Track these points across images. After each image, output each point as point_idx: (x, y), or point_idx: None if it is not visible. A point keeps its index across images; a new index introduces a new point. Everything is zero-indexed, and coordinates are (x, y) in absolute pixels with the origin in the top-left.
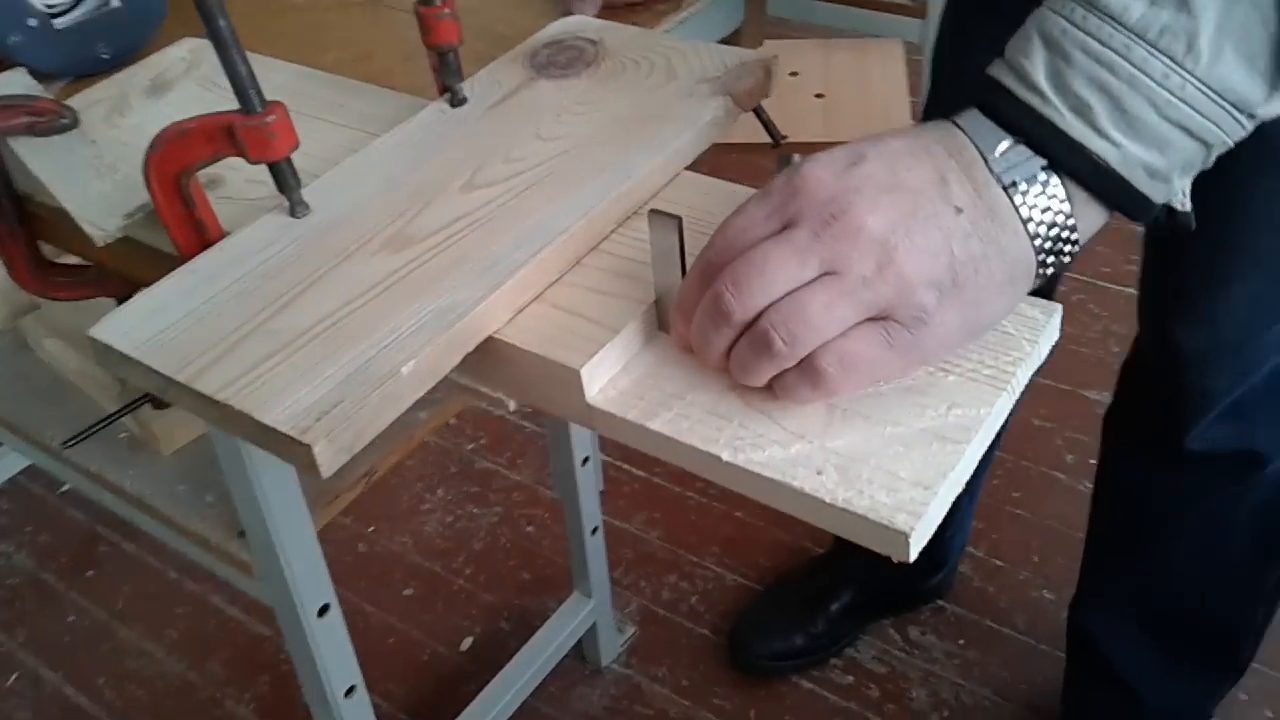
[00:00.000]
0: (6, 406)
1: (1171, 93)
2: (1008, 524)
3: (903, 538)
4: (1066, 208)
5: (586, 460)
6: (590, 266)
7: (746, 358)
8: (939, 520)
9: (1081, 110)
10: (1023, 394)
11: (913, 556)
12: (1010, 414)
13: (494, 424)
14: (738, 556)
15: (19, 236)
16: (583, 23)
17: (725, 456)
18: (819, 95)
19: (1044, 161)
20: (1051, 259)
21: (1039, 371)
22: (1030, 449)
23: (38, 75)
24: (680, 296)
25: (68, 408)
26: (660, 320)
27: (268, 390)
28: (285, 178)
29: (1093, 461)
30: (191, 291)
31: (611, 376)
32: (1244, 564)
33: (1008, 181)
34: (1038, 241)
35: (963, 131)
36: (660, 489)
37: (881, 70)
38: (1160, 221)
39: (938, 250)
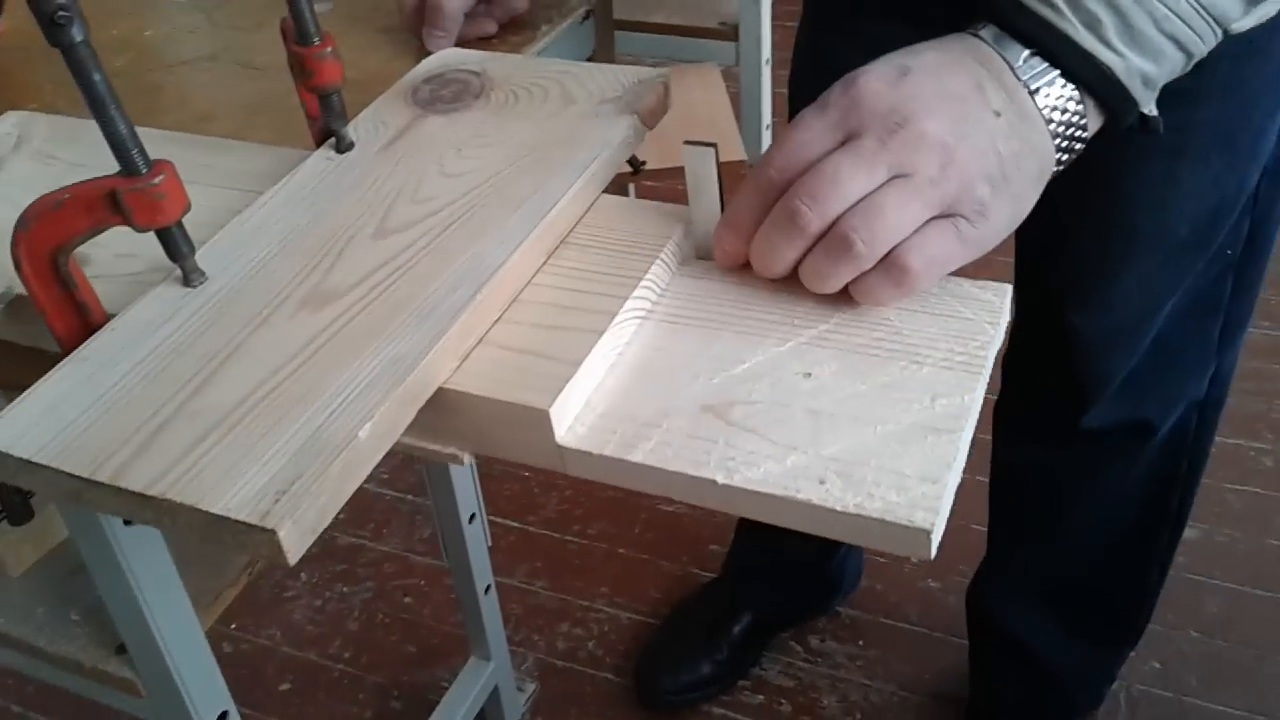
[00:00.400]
0: None
1: (1169, 8)
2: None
3: (924, 535)
4: (1081, 109)
5: (473, 517)
6: (530, 302)
7: (823, 264)
8: (947, 513)
9: (1092, 24)
10: None
11: (933, 554)
12: None
13: (351, 497)
14: (628, 593)
15: None
16: (459, 55)
17: (720, 479)
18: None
19: (1059, 70)
20: (1065, 156)
21: None
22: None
23: None
24: (733, 216)
25: None
26: (699, 249)
27: (209, 477)
28: (177, 244)
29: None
30: (89, 381)
31: (577, 413)
32: (1139, 529)
33: (1032, 87)
34: (1057, 140)
35: (986, 43)
36: (539, 537)
37: (704, 95)
38: (1134, 126)
39: (986, 149)
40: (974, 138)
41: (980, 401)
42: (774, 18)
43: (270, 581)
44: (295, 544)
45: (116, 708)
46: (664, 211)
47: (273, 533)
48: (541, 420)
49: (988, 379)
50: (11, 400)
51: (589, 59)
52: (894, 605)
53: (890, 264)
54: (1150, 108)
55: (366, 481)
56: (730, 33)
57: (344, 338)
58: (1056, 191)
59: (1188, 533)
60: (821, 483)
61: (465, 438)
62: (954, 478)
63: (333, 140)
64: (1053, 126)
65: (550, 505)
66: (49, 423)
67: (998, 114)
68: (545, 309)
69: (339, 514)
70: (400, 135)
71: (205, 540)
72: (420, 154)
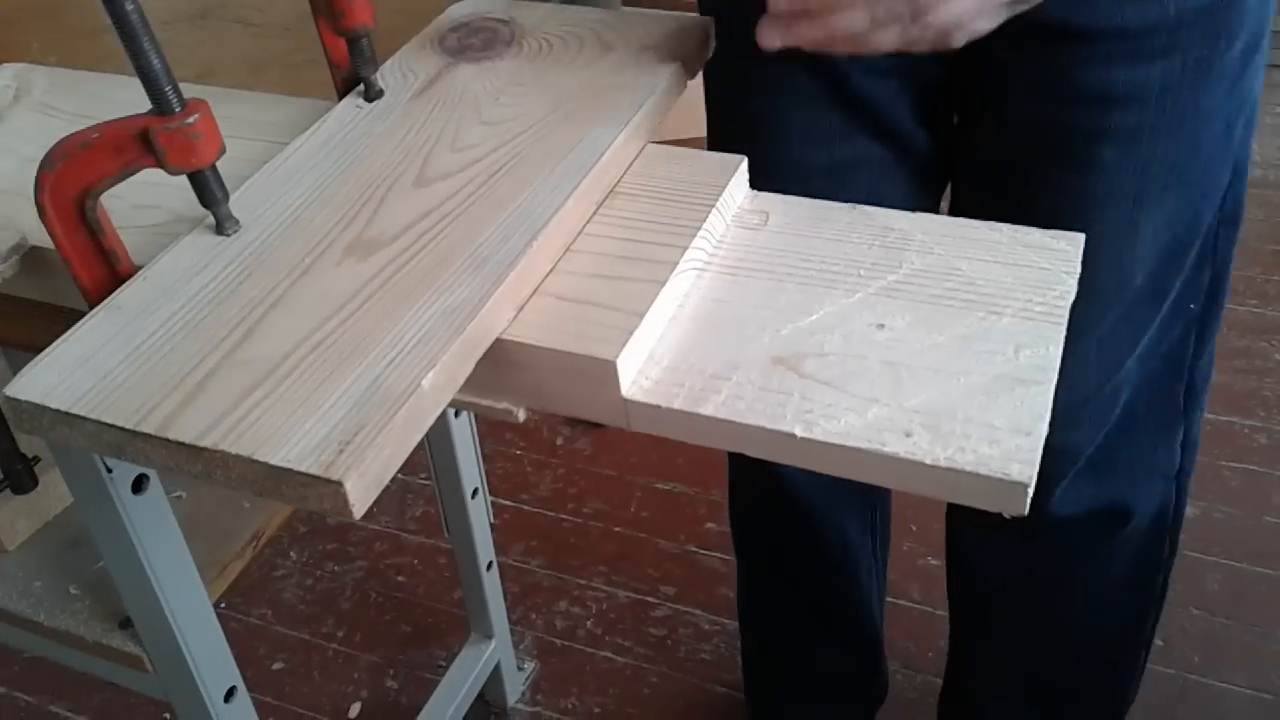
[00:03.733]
0: None
1: None
2: None
3: (1020, 488)
4: None
5: (476, 492)
6: (583, 252)
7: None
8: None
9: None
10: None
11: (1026, 509)
12: None
13: None
14: (626, 571)
15: None
16: (486, 2)
17: (799, 432)
18: None
19: None
20: None
21: None
22: None
23: None
24: None
25: None
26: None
27: (265, 428)
28: (211, 189)
29: None
30: (125, 330)
31: (641, 366)
32: (1125, 616)
33: None
34: None
35: None
36: (533, 515)
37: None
38: None
39: None
40: None
41: (1061, 353)
42: None
43: (260, 560)
44: (361, 496)
45: (120, 684)
46: (715, 160)
47: (339, 484)
48: (607, 372)
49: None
50: (27, 361)
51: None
52: (894, 582)
53: None
54: None
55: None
56: None
57: (395, 287)
58: None
59: (1187, 510)
60: (908, 435)
61: (521, 392)
62: (1045, 429)
63: (361, 88)
64: None
65: (544, 483)
66: (85, 374)
67: None
68: (601, 259)
69: None
70: (431, 83)
71: (259, 494)
72: (456, 102)
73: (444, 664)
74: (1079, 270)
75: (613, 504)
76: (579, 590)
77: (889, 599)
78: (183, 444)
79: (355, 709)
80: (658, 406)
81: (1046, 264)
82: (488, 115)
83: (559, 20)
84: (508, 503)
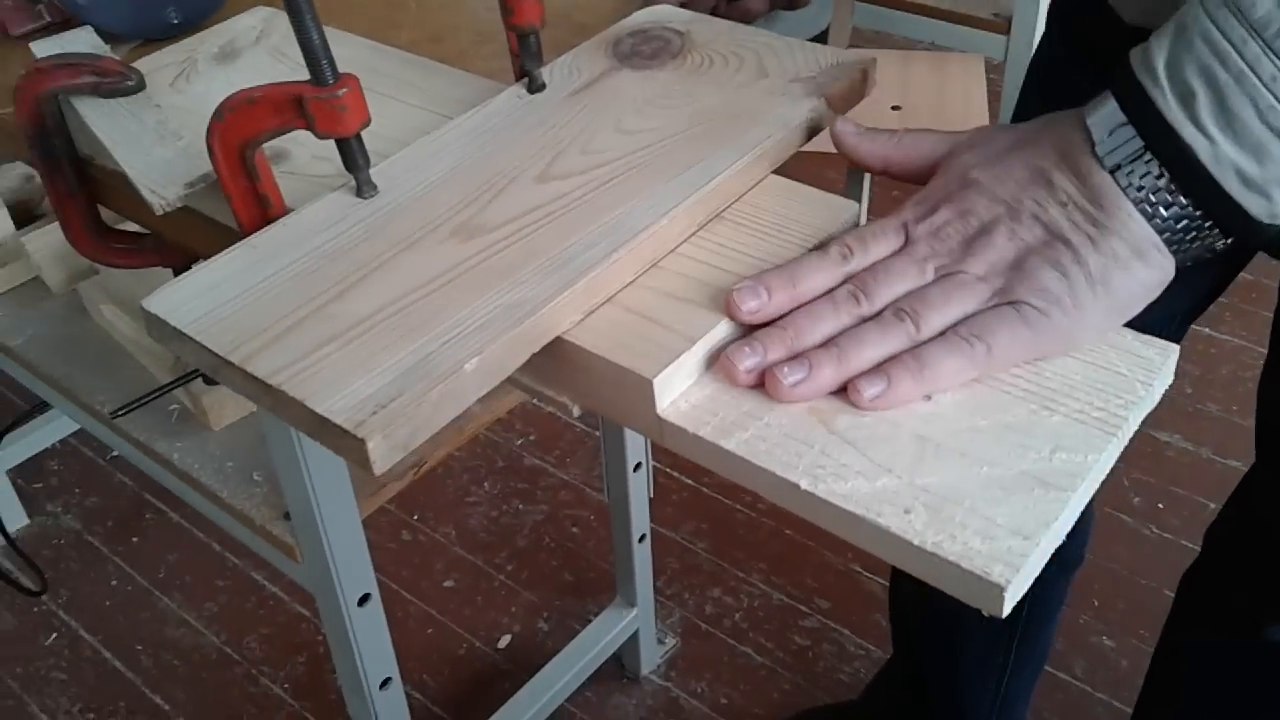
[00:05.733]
0: (59, 370)
1: (1276, 97)
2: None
3: (997, 590)
4: (1173, 199)
5: (639, 466)
6: (668, 270)
7: (868, 330)
8: (1035, 574)
9: (1186, 98)
10: None
11: (1006, 612)
12: None
13: (545, 420)
14: (785, 575)
15: (78, 200)
16: (670, 12)
17: (804, 485)
18: (895, 108)
19: (1143, 143)
20: (1186, 235)
21: None
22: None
23: (105, 36)
24: (797, 271)
25: (119, 375)
26: None
27: (323, 378)
28: (354, 155)
29: (1161, 506)
30: (250, 268)
31: (684, 389)
32: None
33: (1110, 164)
34: (1156, 222)
35: (1076, 119)
36: (709, 500)
37: (962, 85)
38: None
39: (1045, 241)
40: (1028, 230)
41: (1109, 464)
42: None
43: (457, 484)
44: (383, 457)
45: (277, 566)
46: (828, 202)
47: (362, 442)
48: (645, 388)
49: (1124, 443)
50: None
51: (822, 33)
52: (1059, 655)
53: (951, 334)
54: (1272, 218)
55: (560, 410)
56: (1002, 25)
57: (478, 273)
58: None
59: None
60: (907, 512)
61: (576, 390)
62: (1050, 539)
63: (525, 79)
64: (1146, 207)
65: None
66: (206, 300)
67: (1064, 204)
68: (681, 280)
69: (530, 435)
70: (590, 84)
71: (310, 436)
72: (603, 106)
73: (593, 619)
74: (1158, 382)
75: None
76: (735, 581)
77: (1047, 667)
78: (256, 378)
79: (505, 640)
80: (685, 430)
81: (1125, 369)
82: (626, 124)
83: (730, 38)
84: (688, 481)
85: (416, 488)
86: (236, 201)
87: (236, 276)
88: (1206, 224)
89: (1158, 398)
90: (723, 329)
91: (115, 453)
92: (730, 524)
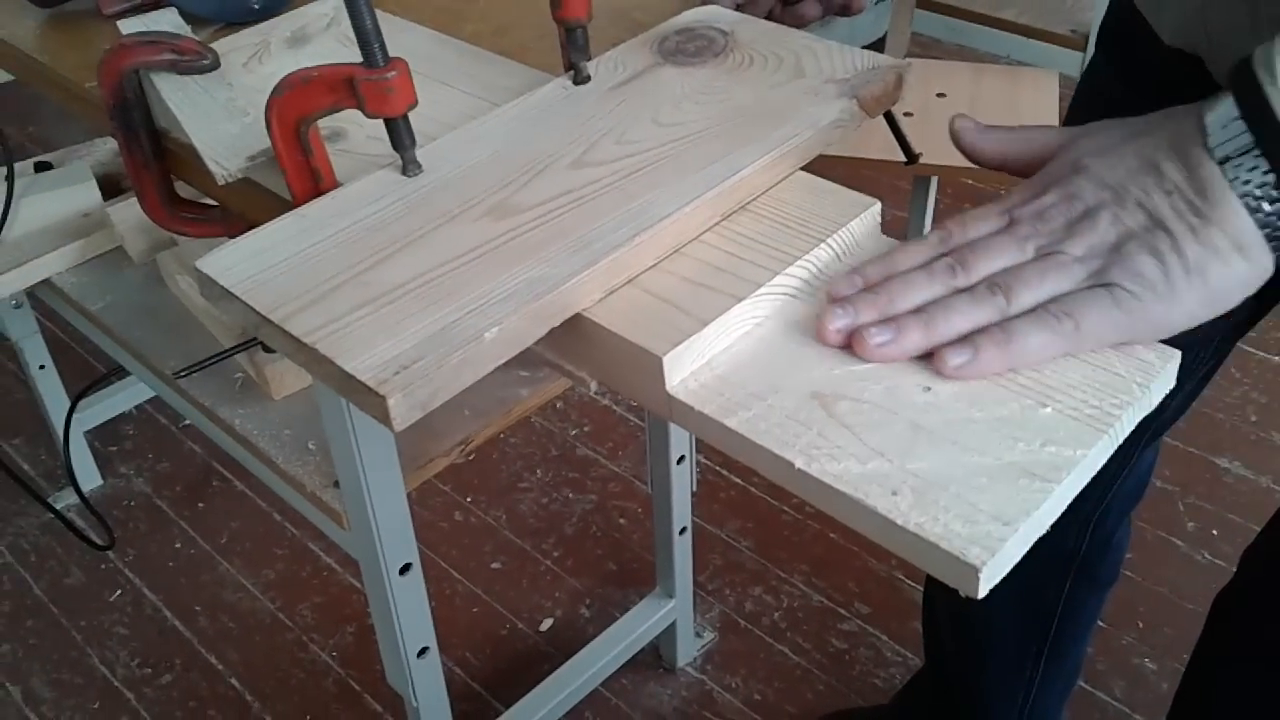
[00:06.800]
0: (135, 335)
1: None
2: (1117, 585)
3: (973, 572)
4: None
5: (682, 459)
6: (690, 256)
7: (960, 300)
8: (1016, 560)
9: None
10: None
11: (982, 593)
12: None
13: (599, 412)
14: (827, 578)
15: (153, 170)
16: (717, 12)
17: (798, 464)
18: (940, 95)
19: (1253, 139)
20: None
21: (1169, 431)
22: (1149, 511)
23: (190, 19)
24: (897, 258)
25: (190, 343)
26: None
27: (353, 339)
28: (400, 135)
29: (1215, 532)
30: (298, 236)
31: (694, 369)
32: None
33: (1219, 156)
34: (1259, 216)
35: (1200, 112)
36: (756, 499)
37: (1033, 100)
38: None
39: (1147, 228)
40: (1131, 215)
41: (1098, 462)
42: None
43: (511, 470)
44: (402, 414)
45: (326, 533)
46: (850, 197)
47: (383, 399)
48: (654, 366)
49: (1116, 442)
50: None
51: (879, 40)
52: (1100, 674)
53: (1041, 311)
54: None
55: (615, 403)
56: (1079, 41)
57: (507, 250)
58: None
59: None
60: (894, 494)
61: (594, 365)
62: (1031, 528)
63: (572, 72)
64: (1251, 201)
65: None
66: (254, 262)
67: (1169, 192)
68: (700, 266)
69: (584, 426)
70: (633, 78)
71: (340, 394)
72: (642, 100)
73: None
74: (1156, 385)
75: None
76: (777, 581)
77: (1086, 685)
78: (293, 336)
79: (547, 624)
80: (691, 408)
81: (1123, 370)
82: (663, 117)
83: (772, 39)
84: (736, 480)
85: (470, 471)
86: (291, 174)
87: (284, 243)
88: None
89: (1155, 401)
90: (736, 313)
91: (187, 421)
92: (775, 524)
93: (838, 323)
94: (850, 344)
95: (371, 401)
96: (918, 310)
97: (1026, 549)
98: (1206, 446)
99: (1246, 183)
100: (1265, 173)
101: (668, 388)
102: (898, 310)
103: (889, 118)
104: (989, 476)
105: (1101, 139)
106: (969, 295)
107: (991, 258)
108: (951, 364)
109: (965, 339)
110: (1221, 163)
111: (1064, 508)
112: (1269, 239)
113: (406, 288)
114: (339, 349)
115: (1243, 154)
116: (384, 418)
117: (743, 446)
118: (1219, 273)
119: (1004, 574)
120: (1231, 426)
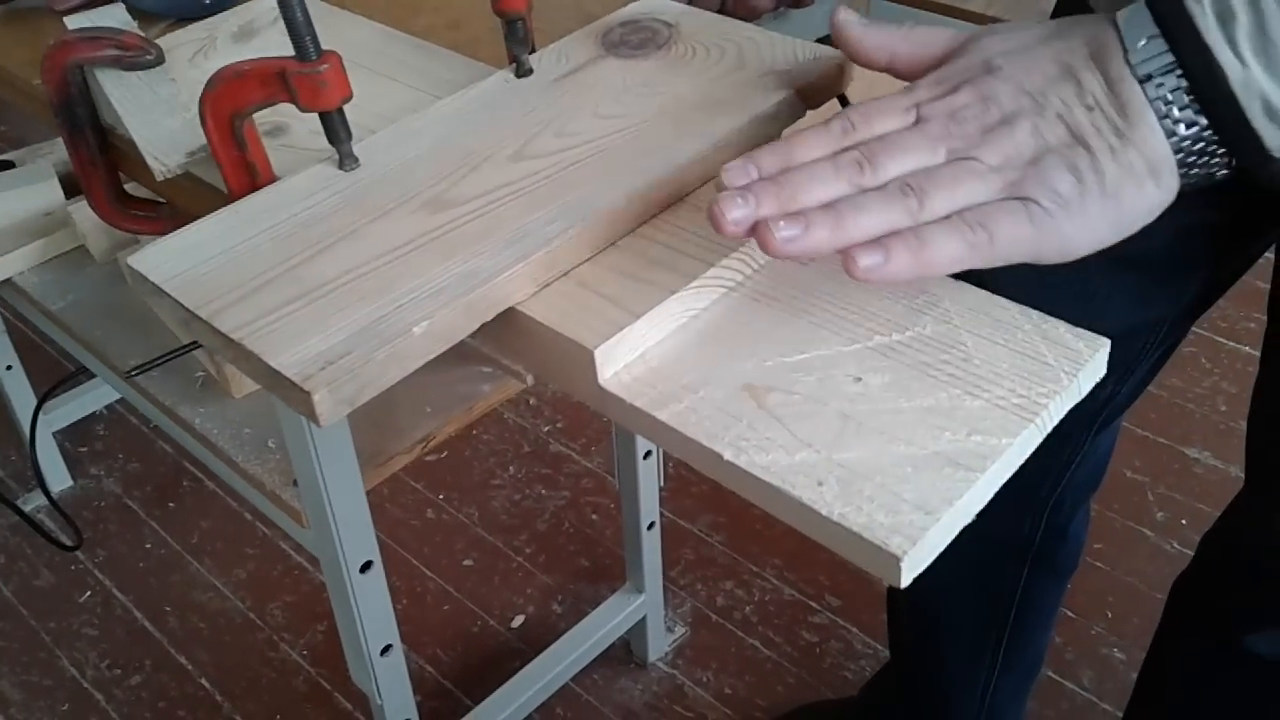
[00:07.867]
0: (96, 334)
1: None
2: (1085, 575)
3: (895, 561)
4: (1196, 117)
5: (649, 454)
6: (626, 249)
7: (870, 199)
8: (939, 548)
9: (1225, 17)
10: (1118, 442)
11: (904, 583)
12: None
13: (572, 409)
14: (798, 571)
15: (100, 167)
16: (662, 5)
17: (727, 455)
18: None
19: (1174, 58)
20: (1195, 159)
21: (1136, 421)
22: (1119, 501)
23: (140, 15)
24: (796, 142)
25: (151, 341)
26: None
27: (281, 335)
28: (335, 129)
29: (1184, 522)
30: (230, 231)
31: (628, 362)
32: None
33: (1141, 73)
34: (1174, 140)
35: (1115, 21)
36: (727, 494)
37: None
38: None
39: (1066, 142)
40: (1051, 128)
41: (1024, 451)
42: None
43: (484, 466)
44: (328, 410)
45: (287, 530)
46: None
47: (308, 395)
48: (586, 359)
49: (1044, 431)
50: None
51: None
52: (1068, 664)
53: (955, 219)
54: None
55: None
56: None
57: (441, 243)
58: None
59: None
60: (819, 484)
61: (529, 359)
62: (954, 517)
63: (514, 65)
64: (1167, 123)
65: None
66: (186, 259)
67: (1090, 108)
68: (637, 259)
69: (557, 423)
70: (575, 71)
71: (269, 390)
72: (584, 92)
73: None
74: (1084, 374)
75: None
76: (748, 575)
77: (1054, 675)
78: (221, 332)
79: (518, 620)
80: (623, 400)
81: (1052, 359)
82: (603, 109)
83: (716, 31)
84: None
85: (443, 468)
86: (226, 169)
87: (216, 239)
88: (1219, 149)
89: (1085, 389)
90: (669, 306)
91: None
92: (747, 519)
93: (735, 213)
94: (754, 238)
95: (297, 397)
96: (825, 207)
97: (951, 538)
98: (1176, 437)
99: (1168, 102)
100: (1184, 92)
101: (600, 381)
102: (801, 205)
103: (843, 102)
104: (914, 466)
105: (1011, 40)
106: (880, 194)
107: (901, 157)
108: (862, 264)
109: (876, 241)
110: (1143, 81)
111: (989, 497)
112: (1180, 164)
113: (338, 282)
114: (266, 344)
115: (1165, 73)
116: (310, 413)
117: (674, 439)
118: (1132, 195)
119: (928, 563)
120: (1201, 416)
